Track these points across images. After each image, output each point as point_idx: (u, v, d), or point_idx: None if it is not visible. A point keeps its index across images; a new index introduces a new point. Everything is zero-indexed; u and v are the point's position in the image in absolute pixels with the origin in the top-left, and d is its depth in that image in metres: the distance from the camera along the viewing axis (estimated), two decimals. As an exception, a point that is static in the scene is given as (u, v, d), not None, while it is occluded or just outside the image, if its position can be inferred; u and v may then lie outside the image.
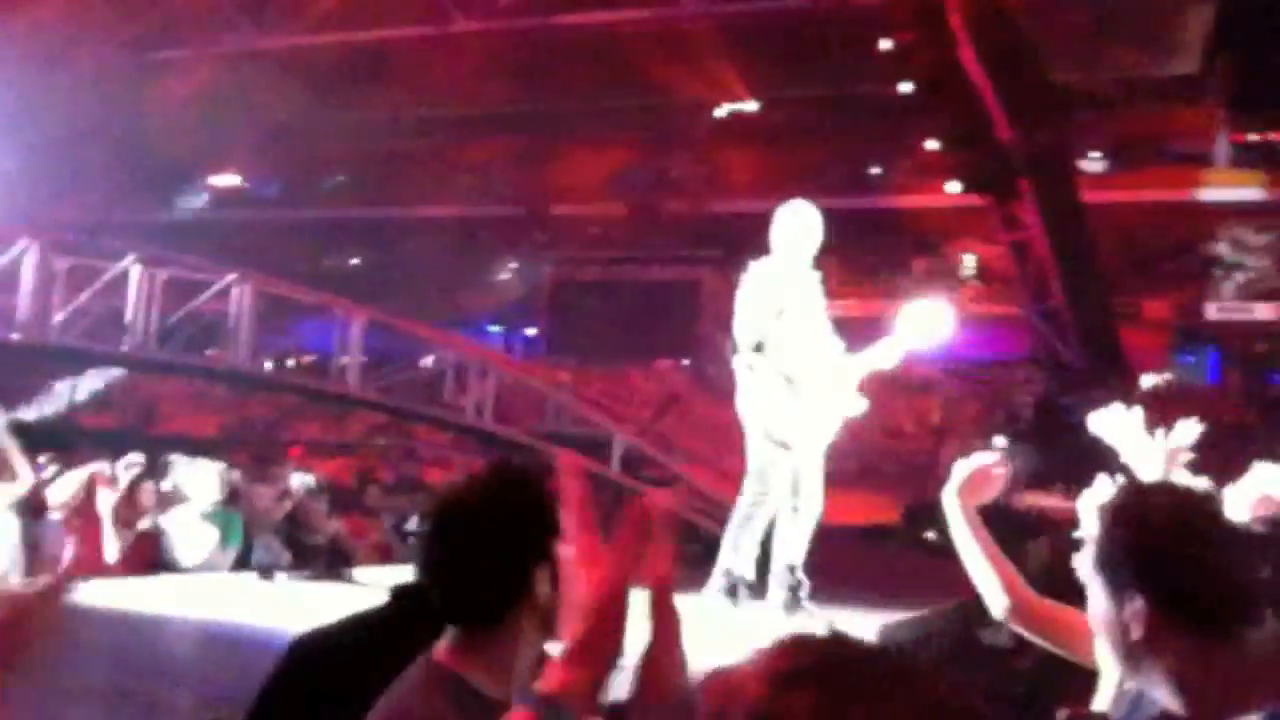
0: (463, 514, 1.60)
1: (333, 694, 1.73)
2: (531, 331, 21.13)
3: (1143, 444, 2.39)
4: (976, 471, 2.26)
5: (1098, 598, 1.51)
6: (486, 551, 1.54)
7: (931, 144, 15.76)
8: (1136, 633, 1.44)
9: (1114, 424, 2.44)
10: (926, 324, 4.73)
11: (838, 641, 0.60)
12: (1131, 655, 1.47)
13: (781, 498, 4.77)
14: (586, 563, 1.06)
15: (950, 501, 2.26)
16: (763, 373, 4.66)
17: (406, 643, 1.61)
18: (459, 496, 1.63)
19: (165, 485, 6.10)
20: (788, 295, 4.72)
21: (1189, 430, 2.37)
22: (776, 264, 4.82)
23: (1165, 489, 1.70)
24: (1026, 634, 2.18)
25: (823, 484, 4.82)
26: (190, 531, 6.04)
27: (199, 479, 6.11)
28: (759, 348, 4.67)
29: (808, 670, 0.56)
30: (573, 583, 1.07)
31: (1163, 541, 1.47)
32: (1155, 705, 1.50)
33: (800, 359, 4.67)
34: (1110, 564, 1.49)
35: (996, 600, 2.25)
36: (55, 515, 6.17)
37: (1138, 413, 2.44)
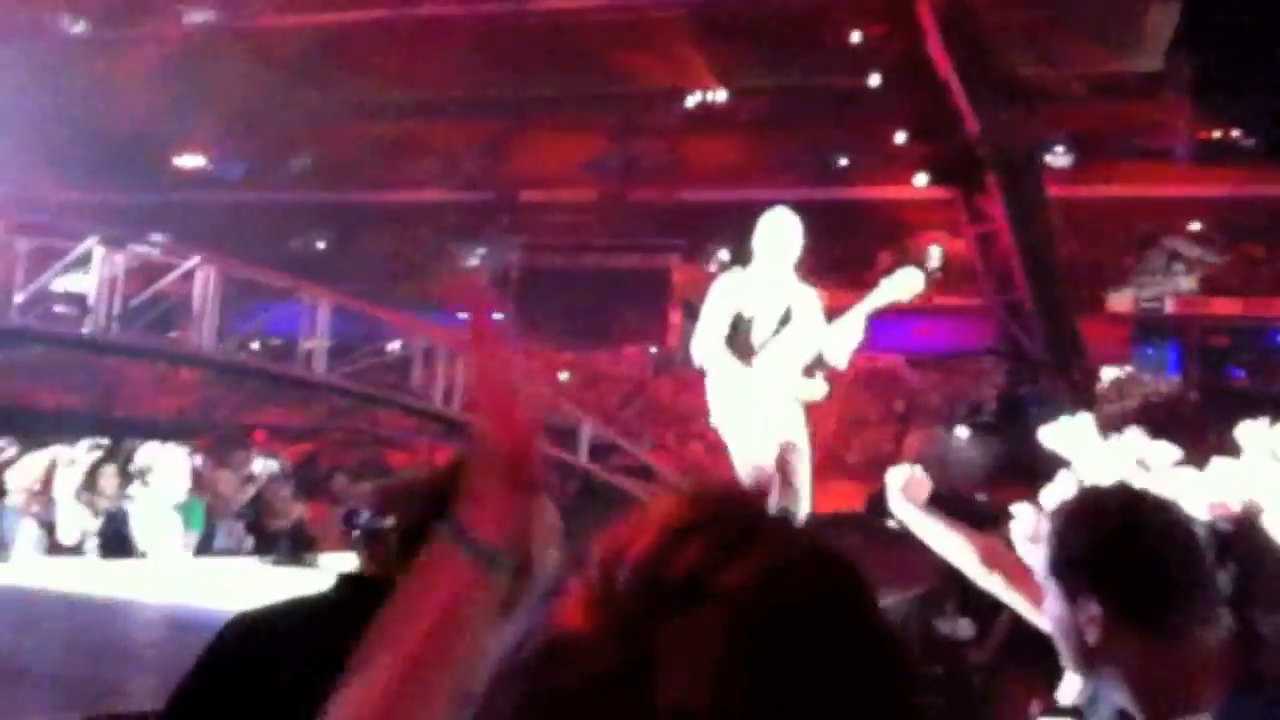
0: (420, 505, 1.60)
1: (260, 674, 1.71)
2: (499, 317, 21.06)
3: (1096, 451, 2.44)
4: (907, 481, 2.37)
5: (1053, 600, 1.51)
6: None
7: (899, 136, 15.85)
8: (1092, 636, 1.44)
9: (1067, 435, 2.49)
10: (896, 283, 4.76)
11: (730, 497, 0.60)
12: (1087, 658, 1.47)
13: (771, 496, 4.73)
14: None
15: (897, 503, 2.36)
16: (720, 377, 4.68)
17: (347, 628, 1.54)
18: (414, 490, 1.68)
19: (131, 469, 6.06)
20: (756, 301, 4.74)
21: (1167, 452, 2.41)
22: (753, 270, 4.84)
23: (1117, 492, 1.70)
24: (1009, 593, 2.18)
25: (808, 480, 4.82)
26: (156, 517, 6.01)
27: (168, 465, 6.08)
28: (716, 354, 4.68)
29: (697, 523, 0.57)
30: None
31: (1114, 545, 1.47)
32: (1112, 703, 1.53)
33: (763, 360, 4.70)
34: (1064, 567, 1.49)
35: (973, 564, 2.25)
36: (15, 498, 6.12)
37: (1087, 419, 2.50)
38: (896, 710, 0.56)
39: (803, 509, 4.82)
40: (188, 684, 1.84)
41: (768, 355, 4.70)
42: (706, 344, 4.74)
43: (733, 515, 0.58)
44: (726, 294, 4.80)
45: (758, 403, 4.69)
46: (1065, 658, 1.54)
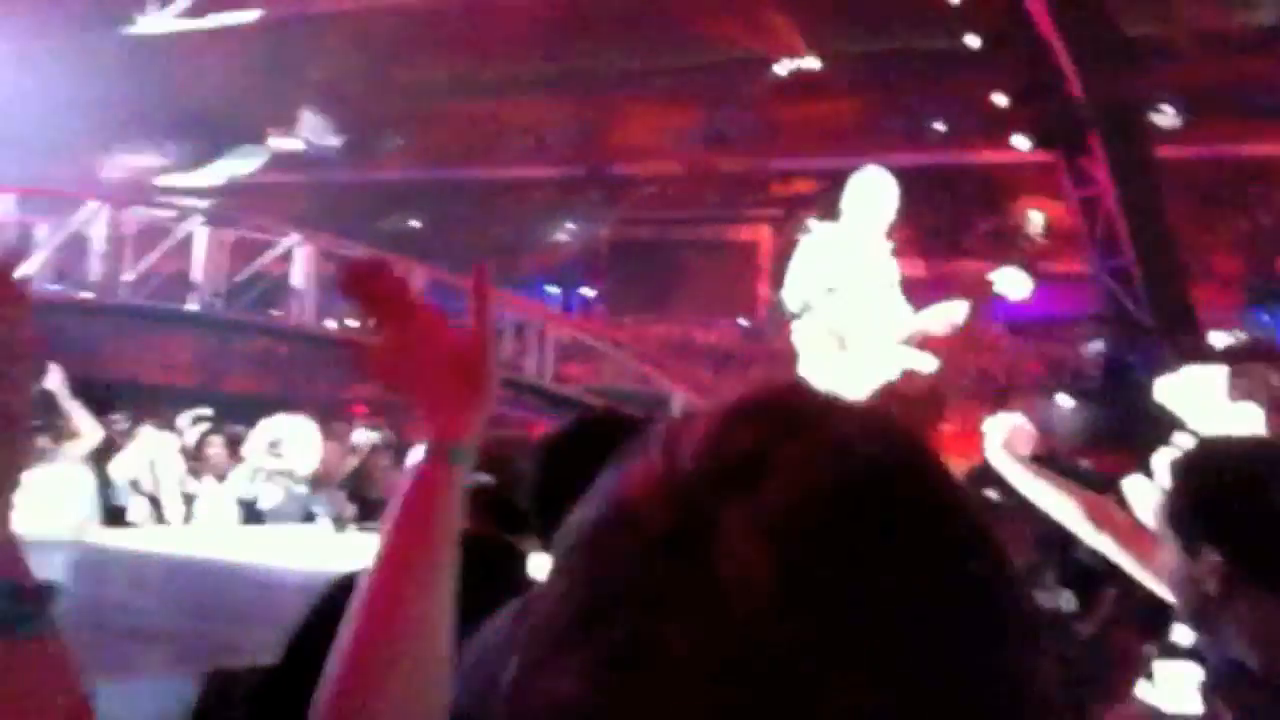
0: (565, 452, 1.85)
1: None
2: (588, 292, 21.12)
3: (1216, 409, 2.32)
4: (1010, 430, 2.27)
5: (1169, 553, 1.47)
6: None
7: (999, 98, 15.42)
8: (1210, 588, 1.40)
9: (1184, 389, 2.37)
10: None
11: (799, 388, 0.60)
12: (1204, 611, 1.44)
13: None
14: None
15: (997, 456, 2.26)
16: (812, 336, 4.60)
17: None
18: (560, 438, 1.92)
19: (257, 443, 6.19)
20: (846, 262, 4.64)
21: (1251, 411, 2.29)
22: (839, 230, 4.73)
23: (1241, 441, 1.65)
24: (1119, 552, 2.09)
25: None
26: (280, 490, 6.13)
27: (299, 440, 6.20)
28: (805, 311, 4.60)
29: (757, 409, 0.56)
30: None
31: (1238, 494, 1.42)
32: (1225, 654, 1.47)
33: (856, 321, 4.59)
34: (1183, 518, 1.45)
35: (1081, 521, 2.15)
36: (125, 469, 6.30)
37: (1219, 373, 2.37)
38: (971, 585, 0.52)
39: None
40: (299, 637, 1.86)
41: (862, 321, 4.60)
42: (798, 298, 4.64)
43: (794, 397, 0.58)
44: (816, 250, 4.70)
45: (850, 369, 4.60)
46: (1180, 610, 1.52)
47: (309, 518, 6.12)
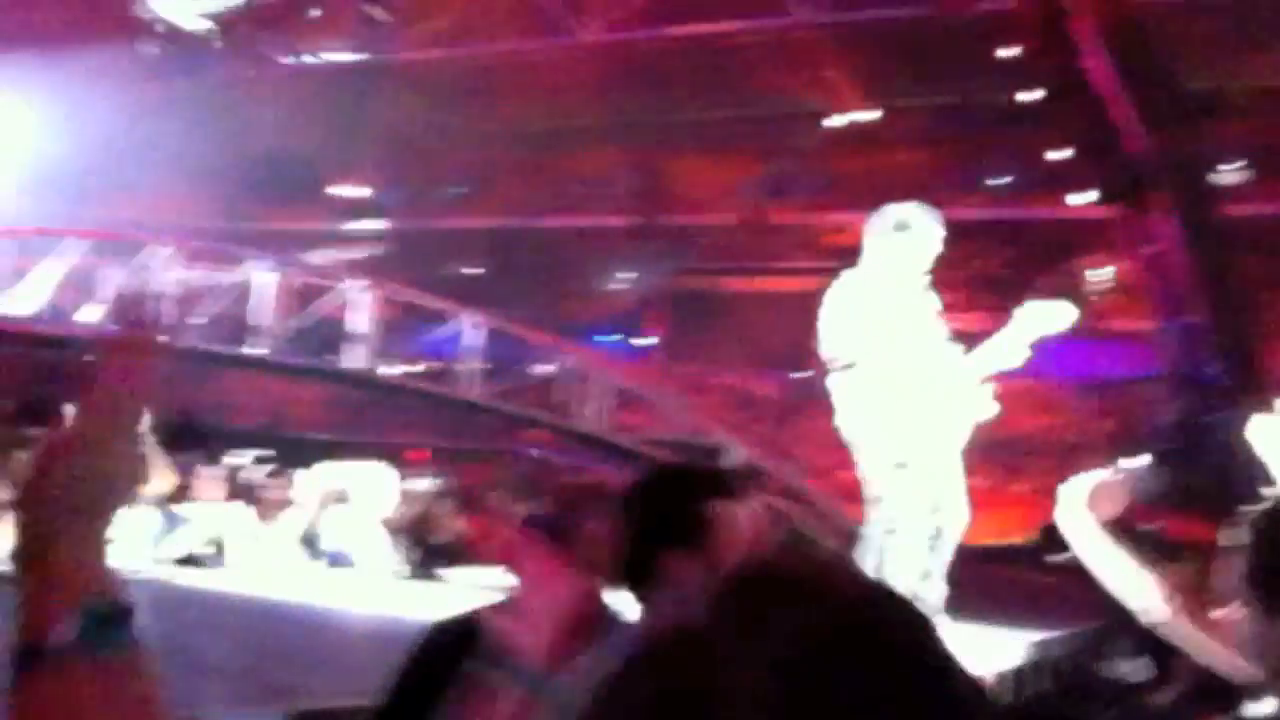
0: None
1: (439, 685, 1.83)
2: (645, 341, 21.15)
3: None
4: (1098, 485, 2.12)
5: (1253, 614, 1.41)
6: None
7: (1060, 153, 15.33)
8: None
9: (1269, 436, 2.27)
10: (1046, 316, 4.40)
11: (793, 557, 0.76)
12: None
13: (918, 519, 4.36)
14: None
15: (1071, 518, 2.11)
16: (863, 391, 4.36)
17: None
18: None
19: (319, 486, 6.24)
20: (890, 306, 4.40)
21: None
22: (874, 273, 4.49)
23: None
24: (1184, 639, 2.00)
25: (966, 498, 4.55)
26: (359, 532, 6.14)
27: (371, 485, 6.24)
28: (851, 366, 4.36)
29: (757, 579, 0.68)
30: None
31: None
32: None
33: (910, 370, 4.37)
34: (1267, 577, 1.39)
35: (1148, 604, 2.03)
36: (196, 514, 6.37)
37: None
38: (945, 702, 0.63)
39: (958, 528, 4.51)
40: (399, 684, 1.86)
41: (910, 362, 4.36)
42: (840, 342, 4.42)
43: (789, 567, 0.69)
44: (857, 290, 4.47)
45: (904, 414, 4.37)
46: (1263, 676, 1.42)
47: (373, 561, 6.14)
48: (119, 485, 0.87)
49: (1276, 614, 1.36)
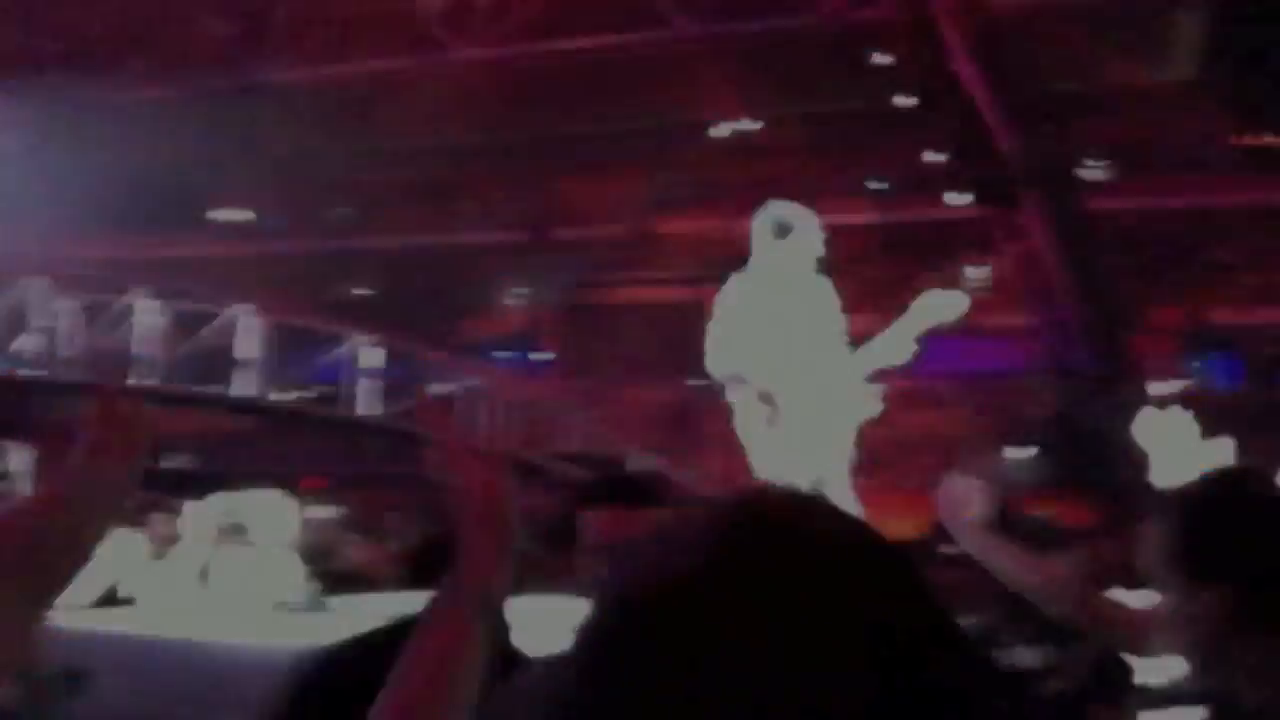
0: None
1: (337, 711, 1.76)
2: (539, 356, 21.11)
3: (1183, 451, 2.35)
4: (955, 491, 2.16)
5: (1168, 589, 1.45)
6: None
7: (934, 156, 15.81)
8: (1208, 628, 1.38)
9: (1155, 429, 2.39)
10: (941, 305, 4.43)
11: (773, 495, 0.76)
12: (1205, 649, 1.42)
13: None
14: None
15: (948, 520, 2.16)
16: (745, 405, 4.34)
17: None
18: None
19: (212, 519, 6.04)
20: (772, 310, 4.39)
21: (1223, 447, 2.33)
22: (755, 279, 4.48)
23: (1240, 476, 1.62)
24: (1085, 625, 2.07)
25: (854, 498, 4.57)
26: (252, 563, 5.97)
27: (271, 515, 6.04)
28: (737, 377, 4.33)
29: (744, 517, 0.72)
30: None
31: (1238, 530, 1.41)
32: (1221, 692, 1.46)
33: (799, 375, 4.35)
34: (1181, 557, 1.43)
35: (1037, 588, 2.11)
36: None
37: (1187, 418, 2.39)
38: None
39: None
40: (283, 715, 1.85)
41: (800, 368, 4.35)
42: (725, 357, 4.39)
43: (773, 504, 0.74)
44: (739, 300, 4.46)
45: (796, 418, 4.37)
46: (1178, 651, 1.48)
47: (274, 593, 6.01)
48: (78, 557, 0.81)
49: (1195, 591, 1.40)
